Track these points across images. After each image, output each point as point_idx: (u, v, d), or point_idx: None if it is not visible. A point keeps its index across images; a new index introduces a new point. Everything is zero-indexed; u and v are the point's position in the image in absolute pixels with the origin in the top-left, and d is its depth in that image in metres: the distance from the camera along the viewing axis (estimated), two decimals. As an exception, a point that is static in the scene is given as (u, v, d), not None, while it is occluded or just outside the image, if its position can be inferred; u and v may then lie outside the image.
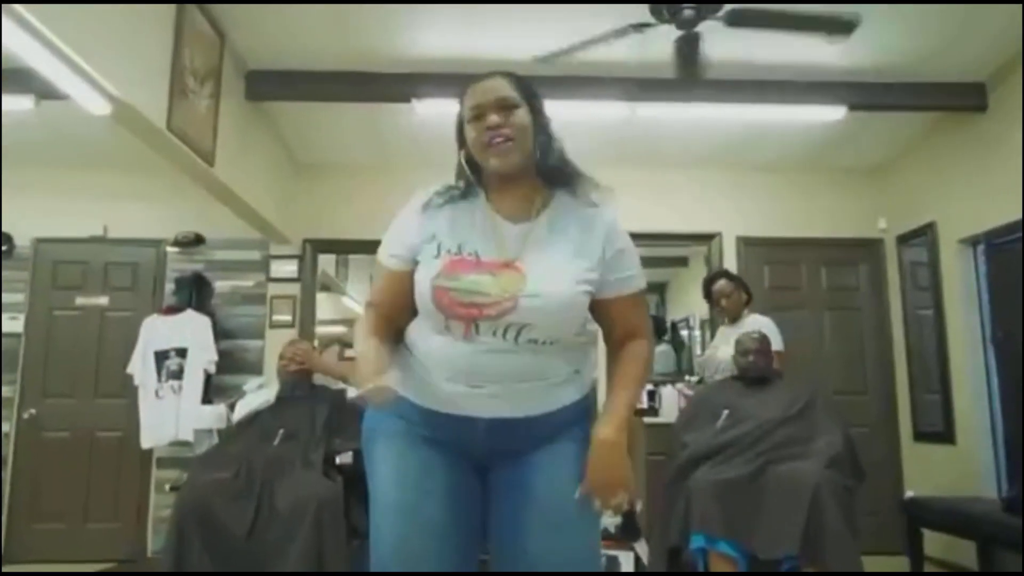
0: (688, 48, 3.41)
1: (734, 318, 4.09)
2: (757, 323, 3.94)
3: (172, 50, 3.14)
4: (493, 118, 1.47)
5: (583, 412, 1.55)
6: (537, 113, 1.53)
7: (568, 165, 1.56)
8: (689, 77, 3.65)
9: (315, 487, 3.01)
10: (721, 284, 4.18)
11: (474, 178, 1.55)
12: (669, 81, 4.15)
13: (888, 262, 5.29)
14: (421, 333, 1.51)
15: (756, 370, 3.53)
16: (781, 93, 4.31)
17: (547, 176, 1.54)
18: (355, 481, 3.06)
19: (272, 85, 4.19)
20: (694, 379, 4.94)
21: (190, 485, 3.09)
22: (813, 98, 4.31)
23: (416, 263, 1.50)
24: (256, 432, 3.35)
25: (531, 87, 1.55)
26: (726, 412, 3.41)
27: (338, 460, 3.23)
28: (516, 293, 1.40)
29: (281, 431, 3.33)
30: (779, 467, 3.03)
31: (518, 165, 1.49)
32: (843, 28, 3.34)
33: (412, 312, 1.52)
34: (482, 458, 1.50)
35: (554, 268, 1.44)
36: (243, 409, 3.62)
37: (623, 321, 1.55)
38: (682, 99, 4.33)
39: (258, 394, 3.76)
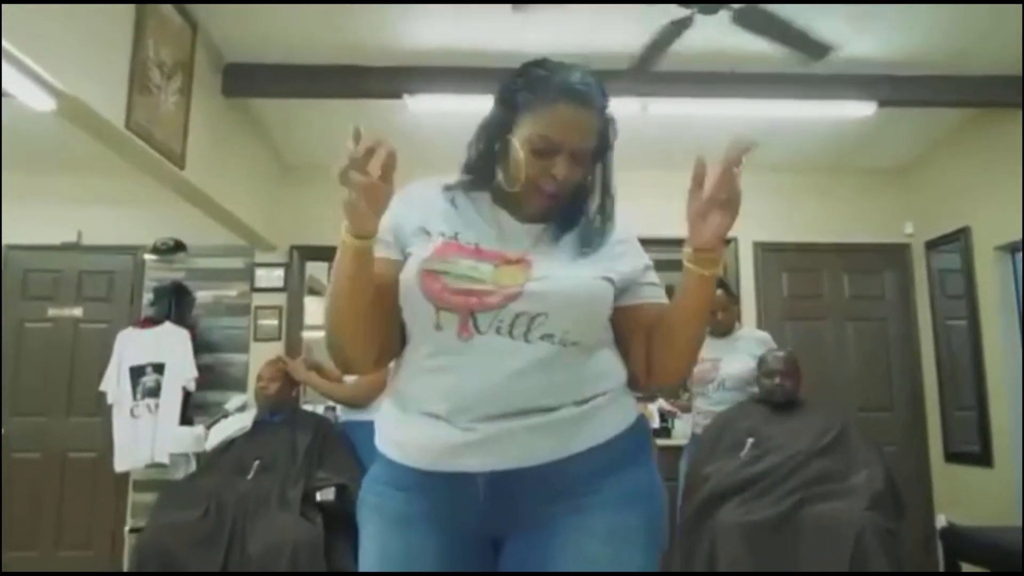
0: (672, 35, 3.10)
1: (726, 332, 3.74)
2: (756, 338, 3.61)
3: (132, 41, 2.81)
4: (562, 168, 1.20)
5: (634, 448, 1.21)
6: (600, 164, 1.27)
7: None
8: (646, 66, 3.31)
9: (292, 530, 2.69)
10: (718, 296, 3.83)
11: (484, 174, 1.28)
12: (684, 74, 3.85)
13: (915, 269, 4.96)
14: (406, 358, 1.23)
15: (783, 394, 3.19)
16: (803, 87, 3.98)
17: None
18: (339, 521, 2.74)
19: (252, 80, 3.86)
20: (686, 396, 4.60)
21: (152, 527, 2.76)
22: (839, 92, 3.97)
23: (404, 256, 1.23)
24: (229, 464, 3.03)
25: (611, 130, 1.26)
26: (751, 441, 3.07)
27: (319, 497, 2.89)
28: (522, 281, 1.15)
29: (257, 463, 3.00)
30: (815, 507, 2.70)
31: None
32: (820, 51, 3.11)
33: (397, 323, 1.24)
34: (489, 529, 1.17)
35: (569, 261, 1.21)
36: (217, 436, 3.30)
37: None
38: (698, 94, 4.01)
39: (234, 419, 3.43)
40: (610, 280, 1.21)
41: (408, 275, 1.18)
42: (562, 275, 1.17)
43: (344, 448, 3.11)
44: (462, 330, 1.14)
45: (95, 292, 4.90)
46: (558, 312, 1.13)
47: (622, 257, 1.25)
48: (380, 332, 1.22)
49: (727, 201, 1.11)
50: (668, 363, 1.25)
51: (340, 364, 1.27)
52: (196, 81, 3.38)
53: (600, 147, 1.24)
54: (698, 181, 1.12)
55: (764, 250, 4.98)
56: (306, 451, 3.03)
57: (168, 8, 3.07)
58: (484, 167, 1.27)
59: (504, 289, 1.14)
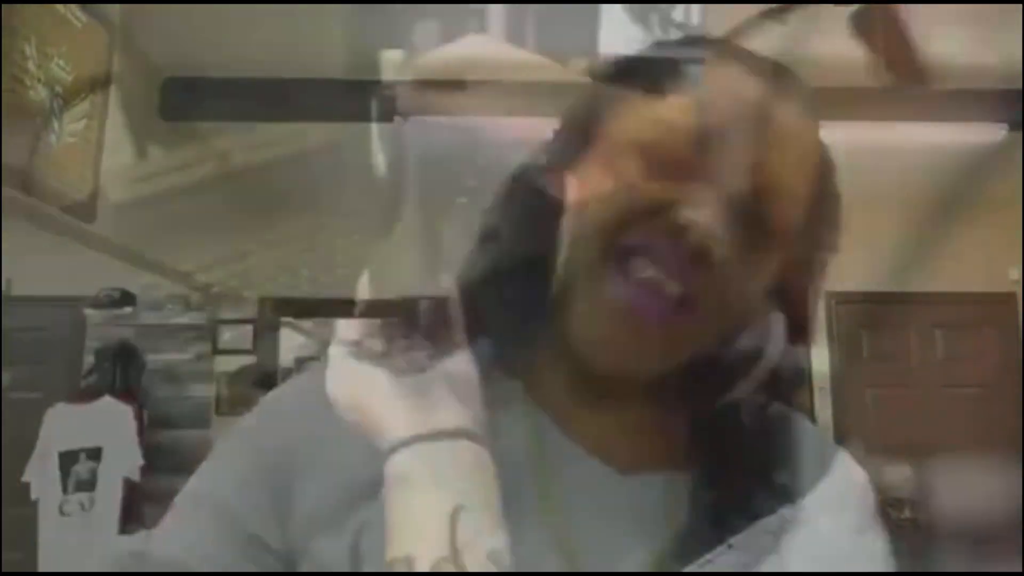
0: None
1: None
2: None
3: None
4: (700, 197, 0.45)
5: None
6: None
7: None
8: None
9: None
10: None
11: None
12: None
13: (1025, 324, 4.19)
14: None
15: (916, 532, 2.34)
16: (905, 105, 3.17)
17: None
18: None
19: (201, 98, 3.07)
20: None
21: None
22: (956, 113, 3.16)
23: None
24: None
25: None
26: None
27: None
28: None
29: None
30: None
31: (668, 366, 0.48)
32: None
33: None
34: None
35: None
36: None
37: None
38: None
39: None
40: None
41: None
42: None
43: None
44: None
45: (25, 354, 4.10)
46: None
47: None
48: None
49: None
50: None
51: None
52: (117, 102, 2.56)
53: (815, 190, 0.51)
54: None
55: (838, 302, 4.24)
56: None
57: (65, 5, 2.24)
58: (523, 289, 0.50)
59: None
